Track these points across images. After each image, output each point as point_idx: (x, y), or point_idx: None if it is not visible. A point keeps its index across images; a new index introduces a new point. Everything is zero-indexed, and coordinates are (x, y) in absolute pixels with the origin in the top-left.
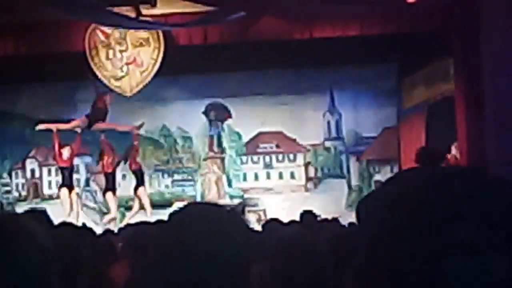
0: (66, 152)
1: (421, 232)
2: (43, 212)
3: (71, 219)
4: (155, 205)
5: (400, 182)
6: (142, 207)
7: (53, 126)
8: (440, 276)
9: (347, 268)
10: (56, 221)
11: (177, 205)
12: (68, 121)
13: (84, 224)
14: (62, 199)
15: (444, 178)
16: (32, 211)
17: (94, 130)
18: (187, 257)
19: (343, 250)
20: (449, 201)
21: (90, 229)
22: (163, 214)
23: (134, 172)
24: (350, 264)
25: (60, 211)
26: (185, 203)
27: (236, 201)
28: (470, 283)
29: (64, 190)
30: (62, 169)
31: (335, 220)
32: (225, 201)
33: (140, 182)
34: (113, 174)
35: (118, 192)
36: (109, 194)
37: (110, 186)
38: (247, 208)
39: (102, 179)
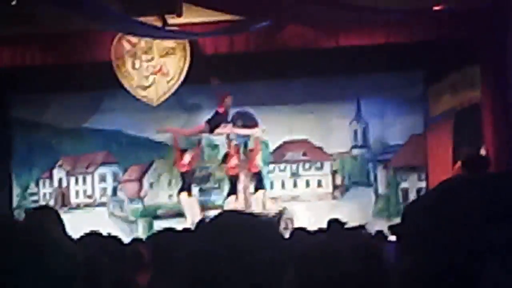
0: (186, 158)
1: (462, 234)
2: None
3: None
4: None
5: (442, 187)
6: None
7: (175, 132)
8: (481, 277)
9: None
10: (82, 229)
11: (206, 214)
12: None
13: (109, 234)
14: (182, 204)
15: (483, 182)
16: (43, 207)
17: (216, 135)
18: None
19: (372, 256)
20: (488, 203)
21: (117, 238)
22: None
23: (253, 175)
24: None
25: (87, 219)
26: (213, 212)
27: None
28: (509, 282)
29: (184, 195)
30: (182, 174)
31: (362, 227)
32: (252, 210)
33: (260, 185)
34: (236, 177)
35: (145, 201)
36: (232, 198)
37: (233, 190)
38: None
39: (129, 187)
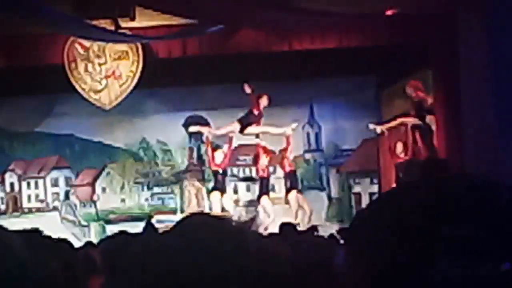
0: (218, 156)
1: (414, 233)
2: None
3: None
4: (134, 218)
5: (396, 189)
6: (300, 207)
7: (206, 130)
8: (433, 277)
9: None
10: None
11: (157, 218)
12: None
13: (60, 238)
14: (213, 203)
15: (437, 183)
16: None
17: (247, 134)
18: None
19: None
20: (440, 204)
21: (69, 242)
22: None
23: (287, 175)
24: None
25: (39, 224)
26: (164, 216)
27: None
28: (461, 282)
29: (216, 194)
30: (215, 172)
31: (314, 228)
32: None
33: (293, 185)
34: (268, 178)
35: (98, 206)
36: (264, 199)
37: (265, 190)
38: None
39: (82, 192)
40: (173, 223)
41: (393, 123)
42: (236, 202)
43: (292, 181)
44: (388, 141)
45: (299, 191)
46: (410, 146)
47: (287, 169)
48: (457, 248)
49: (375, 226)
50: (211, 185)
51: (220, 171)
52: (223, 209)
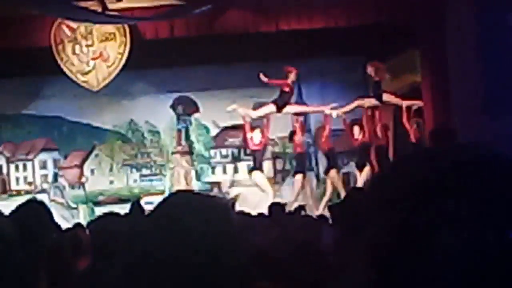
0: (256, 136)
1: (411, 206)
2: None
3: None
4: (123, 200)
5: (397, 161)
6: (335, 189)
7: (243, 112)
8: (430, 249)
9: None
10: None
11: (145, 200)
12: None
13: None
14: (257, 182)
15: (437, 154)
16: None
17: (286, 113)
18: (159, 247)
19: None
20: (438, 175)
21: (56, 224)
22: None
23: (325, 153)
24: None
25: None
26: (153, 198)
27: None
28: (459, 255)
29: (257, 173)
30: (253, 152)
31: (302, 208)
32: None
33: (332, 164)
34: (303, 154)
35: (87, 187)
36: (299, 176)
37: (301, 169)
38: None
39: (70, 174)
40: None
41: (349, 107)
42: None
43: (330, 160)
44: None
45: (338, 170)
46: (367, 129)
47: (325, 148)
48: (462, 220)
49: (375, 199)
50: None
51: (259, 150)
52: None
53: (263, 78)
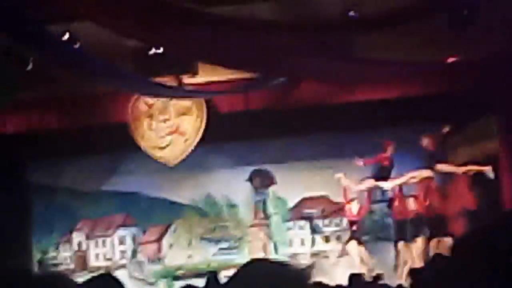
0: (354, 207)
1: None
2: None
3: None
4: (202, 274)
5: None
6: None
7: (346, 182)
8: None
9: None
10: None
11: (224, 273)
12: None
13: None
14: (351, 253)
15: None
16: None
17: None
18: None
19: None
20: None
21: None
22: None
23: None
24: None
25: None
26: (232, 271)
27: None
28: None
29: (353, 244)
30: (350, 222)
31: (379, 277)
32: None
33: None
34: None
35: (166, 262)
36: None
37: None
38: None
39: (149, 249)
40: None
41: (401, 179)
42: None
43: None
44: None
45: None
46: (420, 200)
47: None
48: None
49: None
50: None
51: (357, 222)
52: (361, 259)
53: (358, 162)
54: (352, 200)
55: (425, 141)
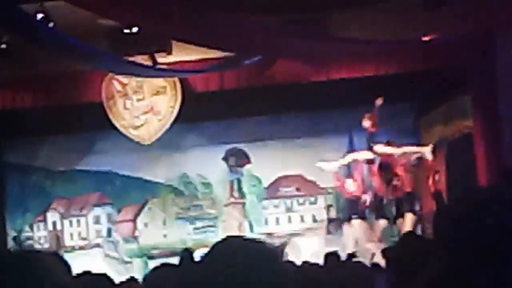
0: (350, 185)
1: (473, 247)
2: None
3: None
4: (177, 253)
5: (454, 203)
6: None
7: (327, 166)
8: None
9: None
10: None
11: (199, 252)
12: None
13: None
14: (352, 230)
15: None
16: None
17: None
18: None
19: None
20: (500, 218)
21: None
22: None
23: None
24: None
25: (82, 261)
26: (206, 250)
27: None
28: None
29: (354, 221)
30: (349, 201)
31: (353, 255)
32: None
33: (411, 208)
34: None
35: (140, 241)
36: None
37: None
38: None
39: (124, 228)
40: None
41: (343, 161)
42: None
43: (409, 204)
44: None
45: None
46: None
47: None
48: None
49: (445, 237)
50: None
51: (353, 199)
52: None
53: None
54: (347, 177)
55: (366, 123)
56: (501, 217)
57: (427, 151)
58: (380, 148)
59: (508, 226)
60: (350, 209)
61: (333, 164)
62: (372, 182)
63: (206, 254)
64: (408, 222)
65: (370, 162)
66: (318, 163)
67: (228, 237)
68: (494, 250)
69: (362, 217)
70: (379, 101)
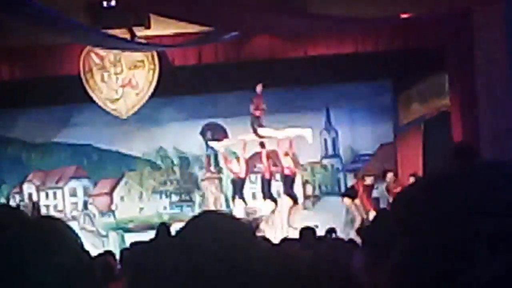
0: (235, 166)
1: (449, 226)
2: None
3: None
4: (153, 227)
5: (428, 177)
6: None
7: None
8: (477, 278)
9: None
10: None
11: (175, 226)
12: None
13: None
14: (236, 209)
15: (471, 172)
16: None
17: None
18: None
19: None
20: (475, 194)
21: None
22: None
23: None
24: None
25: None
26: (183, 224)
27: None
28: (498, 277)
29: (239, 202)
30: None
31: (333, 230)
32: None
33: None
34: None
35: (117, 215)
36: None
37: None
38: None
39: (100, 201)
40: None
41: (230, 141)
42: None
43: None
44: (406, 145)
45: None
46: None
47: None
48: (501, 243)
49: (402, 222)
50: (229, 192)
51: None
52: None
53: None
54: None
55: (251, 107)
56: (452, 193)
57: (307, 134)
58: (263, 131)
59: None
60: (233, 189)
61: (223, 143)
62: (257, 164)
63: (181, 229)
64: (286, 204)
65: (262, 145)
66: (210, 142)
67: (204, 212)
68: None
69: (243, 198)
70: (259, 87)
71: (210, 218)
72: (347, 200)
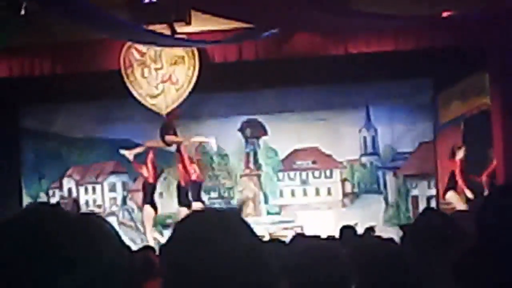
0: (144, 171)
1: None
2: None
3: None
4: None
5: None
6: None
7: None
8: None
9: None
10: None
11: None
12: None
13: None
14: (145, 214)
15: None
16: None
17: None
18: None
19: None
20: None
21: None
22: None
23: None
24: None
25: None
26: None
27: (273, 218)
28: None
29: (146, 206)
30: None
31: (371, 229)
32: (262, 218)
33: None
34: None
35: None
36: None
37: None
38: (282, 225)
39: (139, 196)
40: None
41: (139, 149)
42: None
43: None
44: (446, 144)
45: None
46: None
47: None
48: None
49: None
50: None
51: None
52: None
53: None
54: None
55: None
56: None
57: (212, 142)
58: (169, 137)
59: None
60: (143, 194)
61: (133, 151)
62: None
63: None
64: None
65: (178, 151)
66: (121, 150)
67: (194, 211)
68: None
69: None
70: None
71: (197, 217)
72: (452, 195)
